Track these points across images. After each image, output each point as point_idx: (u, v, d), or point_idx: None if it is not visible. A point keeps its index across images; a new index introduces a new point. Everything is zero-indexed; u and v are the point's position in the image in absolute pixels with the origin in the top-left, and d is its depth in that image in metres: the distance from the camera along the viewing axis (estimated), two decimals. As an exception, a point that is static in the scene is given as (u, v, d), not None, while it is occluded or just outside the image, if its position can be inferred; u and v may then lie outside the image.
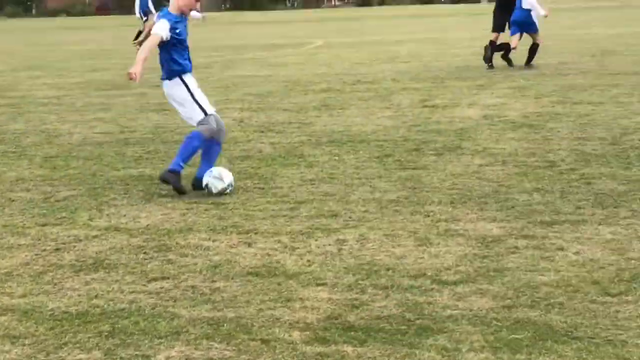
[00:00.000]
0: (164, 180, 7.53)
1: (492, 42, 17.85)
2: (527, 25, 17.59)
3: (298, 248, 5.80)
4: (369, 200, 7.05)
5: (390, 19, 52.87)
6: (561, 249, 5.55)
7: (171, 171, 7.51)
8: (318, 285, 5.04)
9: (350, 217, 6.55)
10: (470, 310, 4.54)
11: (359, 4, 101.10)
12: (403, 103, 12.98)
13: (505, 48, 17.84)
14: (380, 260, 5.47)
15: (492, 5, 19.07)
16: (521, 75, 16.29)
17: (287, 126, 11.20)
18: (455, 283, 4.97)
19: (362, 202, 6.99)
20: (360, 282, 5.06)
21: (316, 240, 5.97)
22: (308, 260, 5.51)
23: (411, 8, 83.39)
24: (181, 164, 7.52)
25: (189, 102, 7.62)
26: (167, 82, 7.65)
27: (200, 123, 7.59)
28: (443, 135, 10.00)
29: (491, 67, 17.65)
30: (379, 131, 10.51)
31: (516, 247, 5.61)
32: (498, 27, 18.01)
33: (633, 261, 5.23)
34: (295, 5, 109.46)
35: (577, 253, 5.45)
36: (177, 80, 7.61)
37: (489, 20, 18.71)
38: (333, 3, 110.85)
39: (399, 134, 10.22)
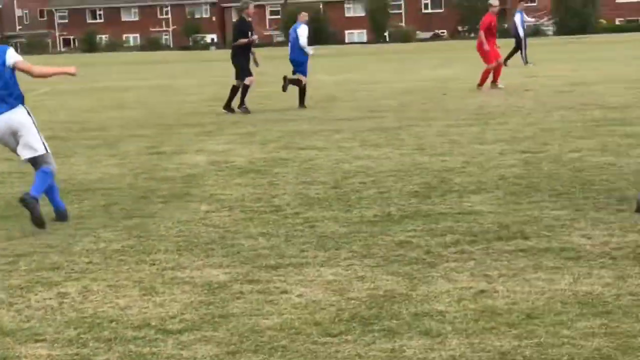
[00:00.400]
0: (26, 203, 7.34)
1: (235, 88, 18.10)
2: (302, 66, 18.91)
3: (16, 303, 5.55)
4: (92, 251, 6.87)
5: (118, 65, 52.33)
6: (285, 292, 5.65)
7: (34, 197, 7.40)
8: (37, 341, 4.83)
9: (72, 269, 6.35)
10: (195, 359, 4.50)
11: (85, 49, 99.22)
12: (130, 150, 12.83)
13: (299, 85, 18.90)
14: (104, 312, 5.33)
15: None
16: (249, 121, 16.58)
17: (7, 176, 10.76)
18: (180, 332, 4.92)
19: (85, 253, 6.81)
20: (82, 335, 4.90)
21: (36, 294, 5.74)
22: (26, 316, 5.28)
23: (139, 54, 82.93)
24: (41, 193, 7.50)
25: (34, 130, 7.73)
26: (17, 108, 7.71)
27: (49, 162, 7.72)
28: (170, 182, 9.96)
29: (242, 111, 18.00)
30: (105, 179, 10.32)
31: (241, 292, 5.65)
32: (245, 73, 18.11)
33: (353, 301, 5.41)
34: (19, 50, 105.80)
35: (300, 295, 5.56)
36: (23, 107, 7.76)
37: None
38: (58, 49, 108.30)
39: (126, 182, 10.08)
